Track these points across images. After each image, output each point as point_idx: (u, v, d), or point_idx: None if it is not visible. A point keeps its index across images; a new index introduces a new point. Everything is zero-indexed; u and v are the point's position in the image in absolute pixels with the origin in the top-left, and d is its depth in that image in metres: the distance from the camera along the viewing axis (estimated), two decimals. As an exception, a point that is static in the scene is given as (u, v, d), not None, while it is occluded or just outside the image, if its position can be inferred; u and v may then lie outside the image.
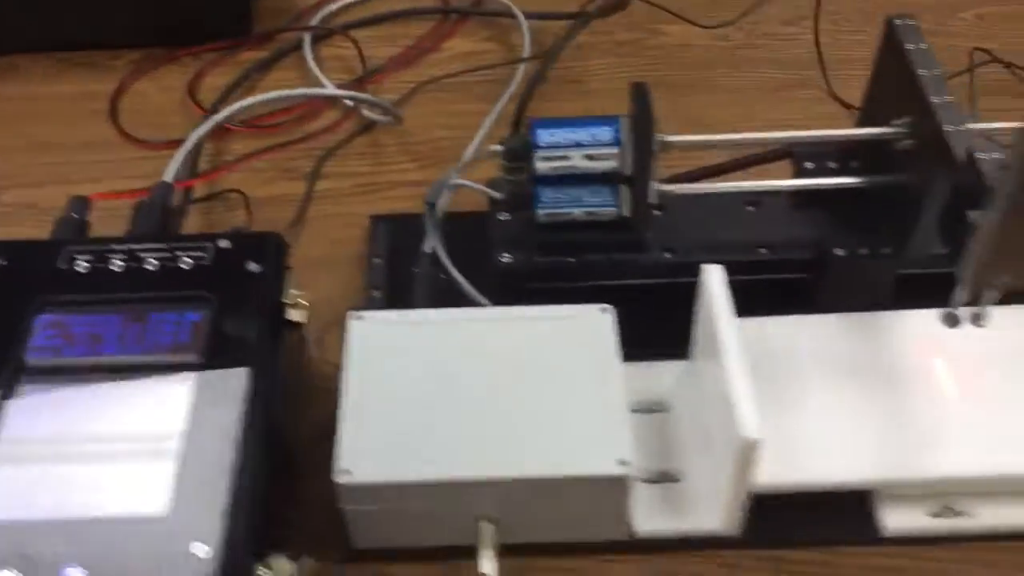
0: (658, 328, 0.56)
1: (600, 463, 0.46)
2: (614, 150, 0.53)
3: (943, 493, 0.50)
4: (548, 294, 0.56)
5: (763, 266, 0.58)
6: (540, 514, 0.48)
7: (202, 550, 0.39)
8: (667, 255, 0.58)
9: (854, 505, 0.51)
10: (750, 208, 0.60)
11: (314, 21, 0.84)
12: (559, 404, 0.49)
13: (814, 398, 0.52)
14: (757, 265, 0.58)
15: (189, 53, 0.81)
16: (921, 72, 0.53)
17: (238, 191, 0.69)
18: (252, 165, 0.72)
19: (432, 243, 0.60)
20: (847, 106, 0.76)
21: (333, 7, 0.85)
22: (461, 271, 0.59)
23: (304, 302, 0.53)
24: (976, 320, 0.48)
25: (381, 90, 0.79)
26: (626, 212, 0.55)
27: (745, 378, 0.46)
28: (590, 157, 0.53)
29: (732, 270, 0.57)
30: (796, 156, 0.60)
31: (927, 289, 0.51)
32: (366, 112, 0.75)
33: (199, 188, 0.70)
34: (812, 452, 0.50)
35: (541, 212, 0.55)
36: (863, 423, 0.50)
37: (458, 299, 0.58)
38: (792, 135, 0.59)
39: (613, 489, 0.47)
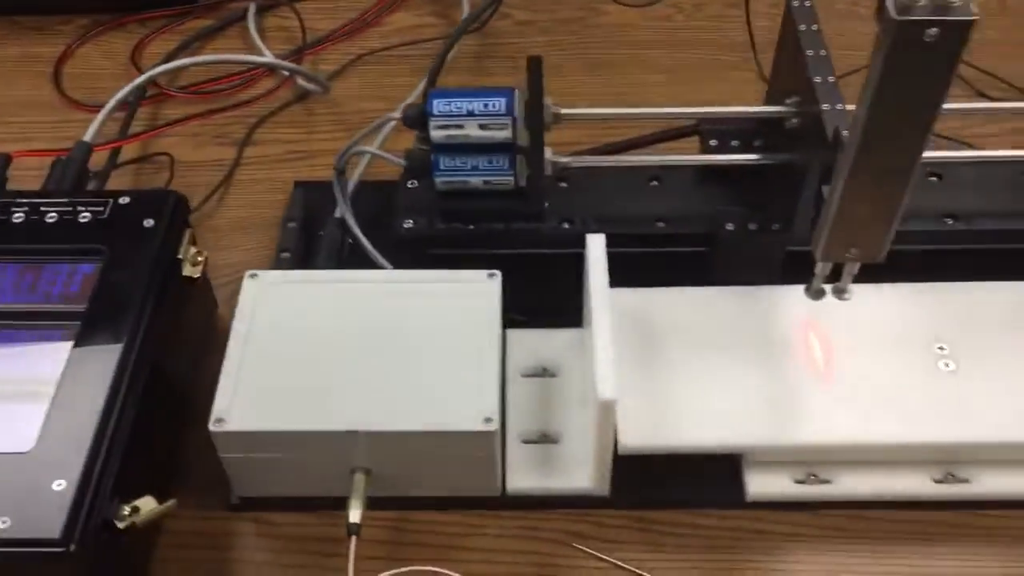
0: (555, 296, 0.57)
1: (466, 420, 0.48)
2: (506, 120, 0.54)
3: (808, 461, 0.52)
4: (449, 260, 0.57)
5: (660, 239, 0.59)
6: (412, 468, 0.50)
7: (60, 485, 0.41)
8: (565, 225, 0.59)
9: (724, 470, 0.52)
10: (654, 183, 0.61)
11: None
12: (435, 364, 0.50)
13: (691, 366, 0.53)
14: (654, 238, 0.59)
15: (137, 19, 0.83)
16: (808, 52, 0.54)
17: (166, 154, 0.71)
18: (186, 130, 0.74)
19: (341, 208, 0.62)
20: (775, 88, 0.77)
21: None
22: (374, 237, 0.61)
23: (201, 258, 0.55)
24: (839, 294, 0.49)
25: (321, 61, 0.81)
26: (522, 182, 0.57)
27: (608, 343, 0.48)
28: (484, 127, 0.54)
29: (630, 242, 0.59)
30: (702, 133, 0.62)
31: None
32: (301, 82, 0.77)
33: (133, 151, 0.72)
34: (683, 417, 0.51)
35: (439, 180, 0.57)
36: (735, 391, 0.52)
37: (364, 263, 0.60)
38: (690, 111, 0.60)
39: (480, 445, 0.49)
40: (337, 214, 0.62)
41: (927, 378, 0.52)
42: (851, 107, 0.52)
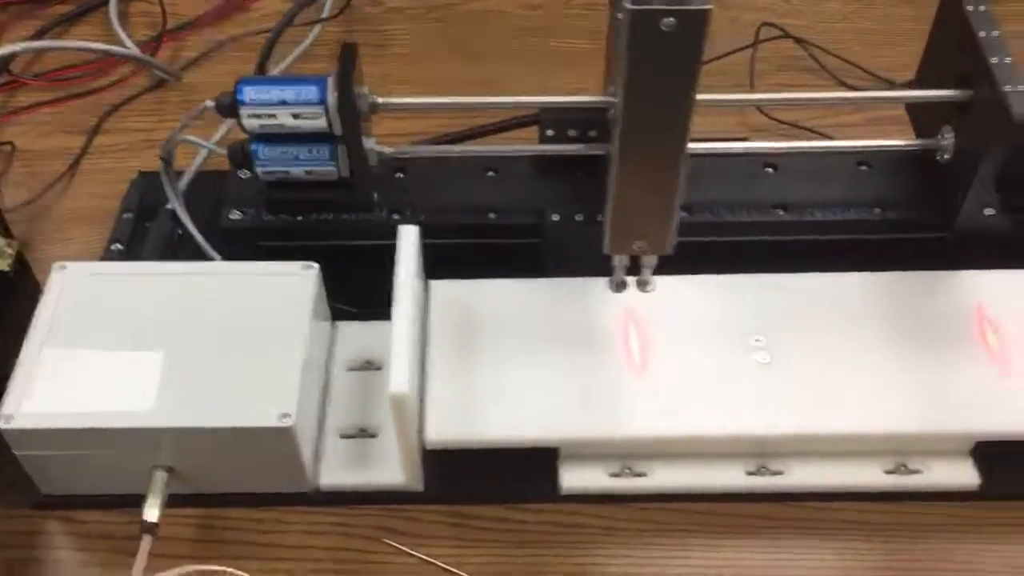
0: (386, 288, 0.56)
1: (261, 416, 0.47)
2: (319, 109, 0.53)
3: (623, 454, 0.52)
4: (278, 252, 0.56)
5: (492, 230, 0.58)
6: (215, 465, 0.49)
7: None
8: (395, 216, 0.58)
9: (540, 464, 0.52)
10: (490, 173, 0.61)
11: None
12: (239, 358, 0.49)
13: (508, 359, 0.52)
14: (485, 229, 0.58)
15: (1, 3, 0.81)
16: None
17: (9, 143, 0.69)
18: (35, 118, 0.72)
19: (171, 198, 0.60)
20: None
21: (150, -38, 0.85)
22: (212, 229, 0.60)
23: (11, 251, 0.53)
24: (642, 287, 0.49)
25: (183, 47, 0.79)
26: (344, 172, 0.56)
27: (403, 337, 0.47)
28: (296, 116, 0.53)
29: (462, 233, 0.59)
30: (541, 123, 0.61)
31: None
32: (156, 71, 0.75)
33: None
34: (495, 411, 0.51)
35: (260, 170, 0.56)
36: (550, 385, 0.51)
37: (197, 255, 0.59)
38: (527, 100, 0.60)
39: (279, 441, 0.48)
40: (169, 205, 0.61)
41: (741, 370, 0.52)
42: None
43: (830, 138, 0.69)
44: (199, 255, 0.59)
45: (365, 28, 0.81)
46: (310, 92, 0.53)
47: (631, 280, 0.49)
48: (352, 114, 0.53)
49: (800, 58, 0.77)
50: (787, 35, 0.77)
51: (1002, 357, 0.52)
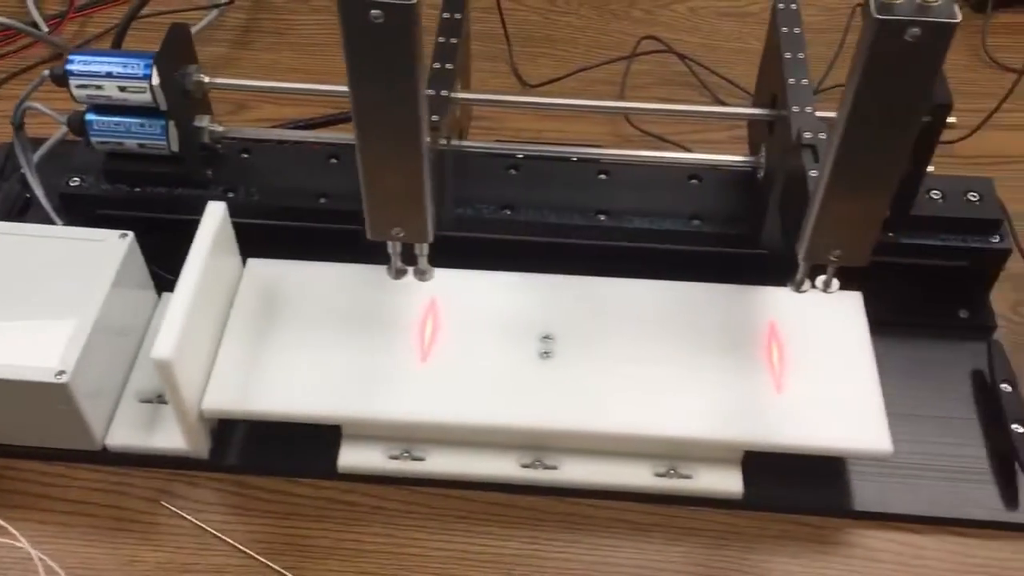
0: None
1: (38, 371, 0.49)
2: (143, 84, 0.55)
3: (404, 438, 0.53)
4: (117, 221, 0.58)
5: (322, 215, 0.60)
6: (3, 416, 0.51)
7: None
8: (229, 194, 0.60)
9: (326, 442, 0.53)
10: (333, 160, 0.62)
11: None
12: (32, 316, 0.51)
13: (304, 338, 0.54)
14: (316, 213, 0.60)
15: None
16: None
17: None
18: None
19: (22, 163, 0.63)
20: (523, 82, 0.78)
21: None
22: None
23: None
24: (421, 275, 0.50)
25: (90, 23, 0.82)
26: (175, 148, 0.58)
27: (182, 305, 0.49)
28: (123, 89, 0.55)
29: (292, 215, 0.60)
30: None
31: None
32: (53, 46, 0.78)
33: None
34: (280, 386, 0.52)
35: (94, 140, 0.58)
36: (339, 365, 0.53)
37: (44, 219, 0.61)
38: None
39: (56, 397, 0.49)
40: (22, 169, 0.63)
41: (524, 366, 0.53)
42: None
43: (688, 151, 0.70)
44: (48, 220, 0.61)
45: (268, 16, 0.83)
46: (135, 66, 0.55)
47: (410, 269, 0.50)
48: (176, 92, 0.55)
49: (683, 73, 0.78)
50: (669, 50, 0.79)
51: (780, 373, 0.52)
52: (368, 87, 0.40)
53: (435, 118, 0.50)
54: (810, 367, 0.53)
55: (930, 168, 0.56)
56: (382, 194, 0.44)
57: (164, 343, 0.47)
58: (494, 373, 0.53)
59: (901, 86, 0.40)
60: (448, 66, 0.54)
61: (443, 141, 0.53)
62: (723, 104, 0.76)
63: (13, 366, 0.49)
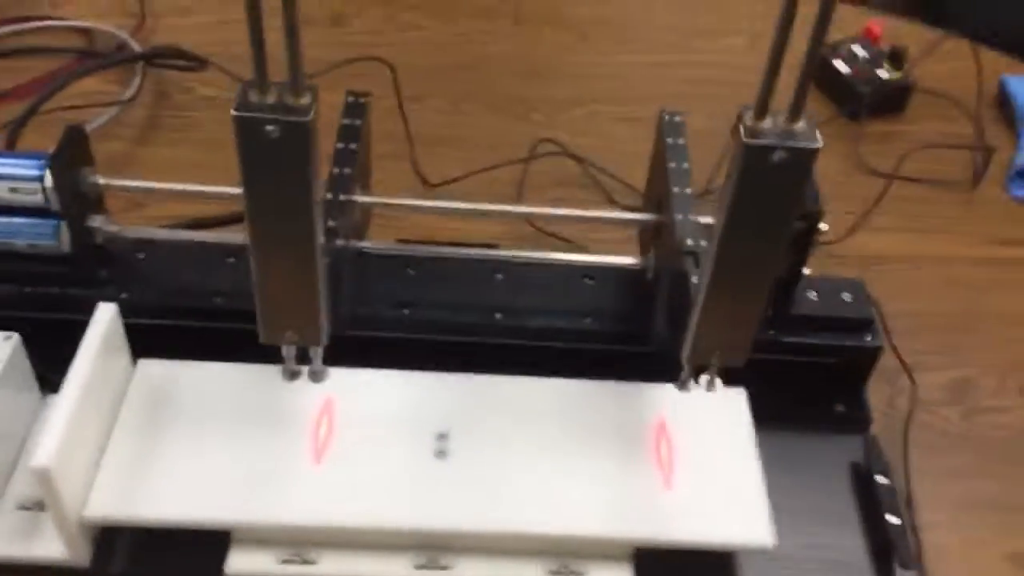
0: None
1: (-92, 480, 0.47)
2: (36, 186, 0.55)
3: (295, 541, 0.52)
4: (11, 321, 0.57)
5: (217, 314, 0.60)
6: None
7: None
8: (123, 295, 0.60)
9: (214, 547, 0.52)
10: (230, 259, 0.62)
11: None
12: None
13: (193, 441, 0.53)
14: (211, 312, 0.60)
15: None
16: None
17: None
18: None
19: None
20: (425, 181, 0.80)
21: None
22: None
23: None
24: (315, 377, 0.51)
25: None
26: (66, 248, 0.57)
27: (66, 411, 0.48)
28: (14, 190, 0.55)
29: (191, 315, 0.60)
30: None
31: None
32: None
33: None
34: (166, 491, 0.51)
35: (-19, 239, 0.57)
36: (228, 468, 0.52)
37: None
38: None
39: (-71, 506, 0.48)
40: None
41: (419, 465, 0.53)
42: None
43: (584, 249, 0.73)
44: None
45: (169, 113, 0.84)
46: (28, 168, 0.55)
47: (304, 369, 0.51)
48: (70, 193, 0.55)
49: (580, 175, 0.81)
50: (565, 152, 0.82)
51: (668, 469, 0.54)
52: (262, 197, 0.41)
53: (332, 223, 0.51)
54: (697, 463, 0.54)
55: (806, 270, 0.59)
56: (275, 299, 0.45)
57: (44, 452, 0.46)
58: (388, 473, 0.53)
59: (771, 202, 0.43)
60: (347, 171, 0.55)
61: (340, 242, 0.53)
62: (615, 203, 0.79)
63: None
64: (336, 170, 0.55)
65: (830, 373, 0.62)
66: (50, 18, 0.91)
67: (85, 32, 0.91)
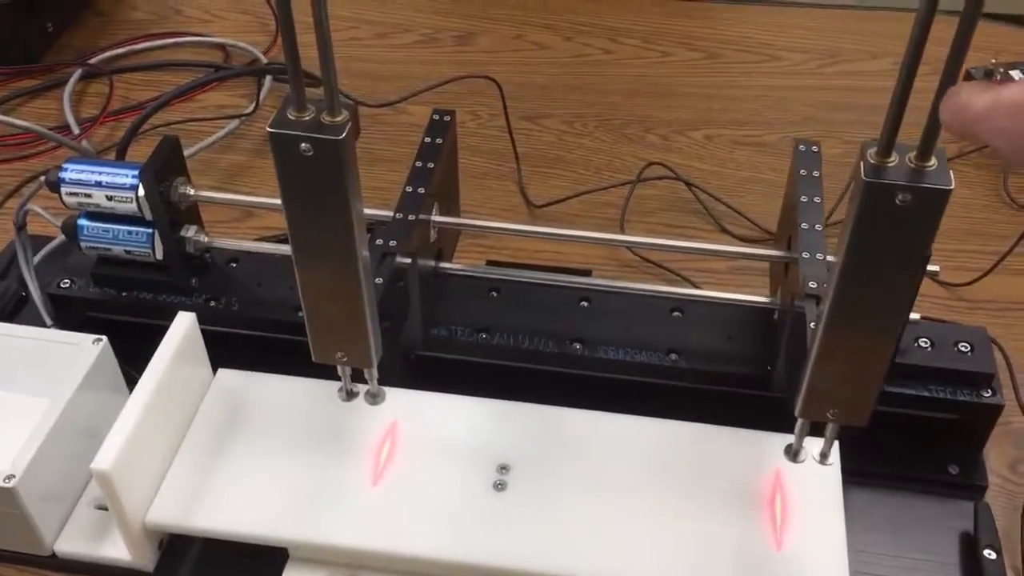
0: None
1: (-13, 474, 0.49)
2: (130, 194, 0.57)
3: (350, 564, 0.51)
4: (105, 325, 0.59)
5: (299, 328, 0.60)
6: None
7: None
8: (212, 303, 0.61)
9: (275, 561, 0.52)
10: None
11: (98, 61, 0.91)
12: (-3, 415, 0.52)
13: (260, 455, 0.53)
14: (293, 326, 0.60)
15: (-26, 73, 0.89)
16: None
17: (-70, 197, 0.76)
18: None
19: (21, 262, 0.65)
20: (529, 202, 0.78)
21: (122, 50, 0.93)
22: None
23: None
24: (372, 399, 0.50)
25: (121, 128, 0.85)
26: (159, 256, 0.59)
27: (132, 415, 0.49)
28: (110, 198, 0.57)
29: (275, 327, 0.61)
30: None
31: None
32: (85, 144, 0.81)
33: None
34: (228, 502, 0.51)
35: (83, 244, 0.60)
36: (290, 484, 0.52)
37: (37, 317, 0.63)
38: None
39: (4, 500, 0.50)
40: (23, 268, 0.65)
41: (476, 497, 0.51)
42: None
43: (691, 282, 0.69)
44: (40, 319, 0.63)
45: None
46: (123, 177, 0.57)
47: (362, 389, 0.50)
48: (160, 203, 0.56)
49: (690, 200, 0.78)
50: (675, 176, 0.78)
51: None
52: (301, 214, 0.40)
53: (393, 243, 0.50)
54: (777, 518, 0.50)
55: (915, 315, 0.54)
56: (320, 318, 0.44)
57: (104, 455, 0.47)
58: (444, 502, 0.51)
59: (895, 245, 0.38)
60: (420, 190, 0.54)
61: (406, 261, 0.53)
62: (726, 232, 0.75)
63: (-36, 467, 0.50)
64: (409, 189, 0.54)
65: (944, 430, 0.56)
66: (190, 34, 0.96)
67: (222, 48, 0.95)
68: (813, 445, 0.49)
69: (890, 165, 0.36)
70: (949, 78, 0.33)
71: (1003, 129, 0.32)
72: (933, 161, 0.36)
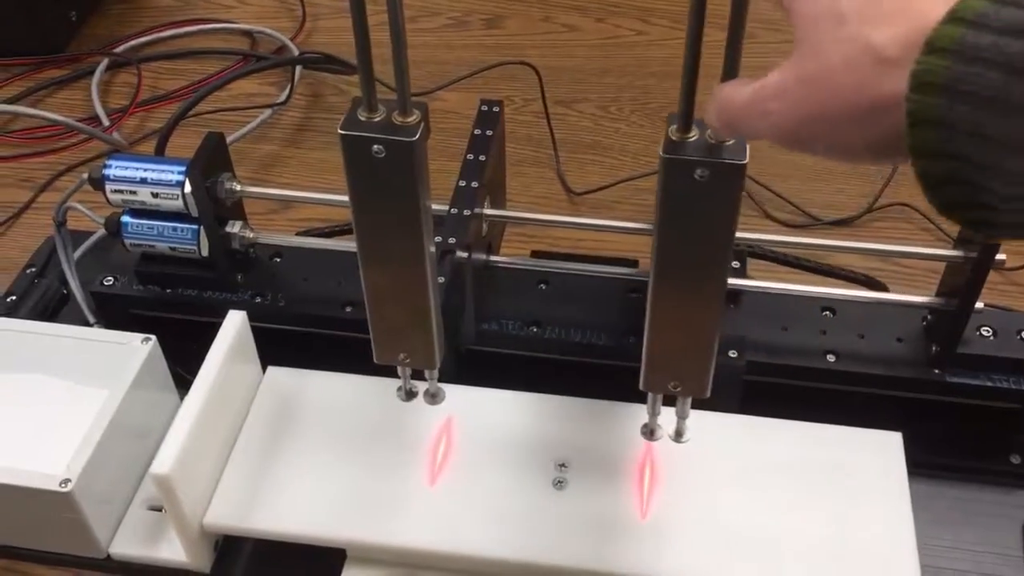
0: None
1: (43, 479, 0.49)
2: (176, 191, 0.56)
3: (409, 564, 0.51)
4: (149, 322, 0.59)
5: (345, 323, 0.59)
6: (9, 519, 0.51)
7: None
8: (257, 299, 0.60)
9: (332, 561, 0.52)
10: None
11: (124, 50, 0.90)
12: (44, 420, 0.51)
13: (315, 453, 0.53)
14: (340, 322, 0.59)
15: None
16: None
17: (-38, 191, 0.75)
18: (-2, 170, 0.78)
19: (62, 259, 0.64)
20: (568, 189, 0.77)
21: (147, 38, 0.92)
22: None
23: None
24: (431, 399, 0.49)
25: (151, 118, 0.84)
26: (205, 252, 0.58)
27: (188, 417, 0.48)
28: (156, 195, 0.56)
29: (321, 323, 0.60)
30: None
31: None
32: (116, 136, 0.80)
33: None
34: (285, 503, 0.51)
35: (127, 241, 0.59)
36: (347, 485, 0.51)
37: (78, 314, 0.62)
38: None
39: (60, 505, 0.49)
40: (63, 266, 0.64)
41: (535, 495, 0.50)
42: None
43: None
44: (82, 316, 0.62)
45: (321, 115, 0.85)
46: (169, 174, 0.56)
47: (420, 388, 0.49)
48: (207, 199, 0.56)
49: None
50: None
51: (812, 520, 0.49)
52: (370, 216, 0.39)
53: (452, 240, 0.49)
54: (841, 514, 0.49)
55: (979, 304, 0.53)
56: (386, 320, 0.44)
57: (163, 459, 0.46)
58: (502, 501, 0.50)
59: (701, 220, 0.39)
60: (473, 184, 0.53)
61: (461, 256, 0.52)
62: (769, 217, 0.74)
63: (19, 471, 0.49)
64: (462, 183, 0.53)
65: (1006, 419, 0.55)
66: (215, 21, 0.95)
67: (248, 35, 0.94)
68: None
69: (689, 141, 0.37)
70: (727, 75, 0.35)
71: (770, 111, 0.32)
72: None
